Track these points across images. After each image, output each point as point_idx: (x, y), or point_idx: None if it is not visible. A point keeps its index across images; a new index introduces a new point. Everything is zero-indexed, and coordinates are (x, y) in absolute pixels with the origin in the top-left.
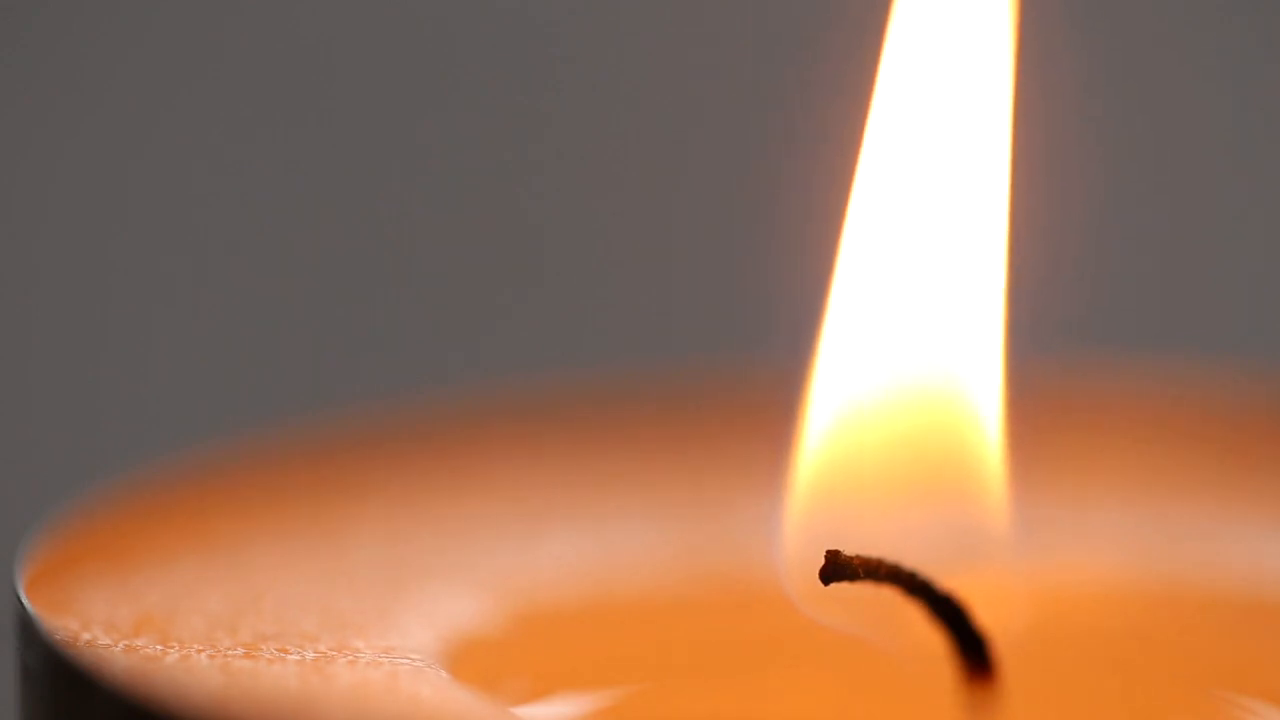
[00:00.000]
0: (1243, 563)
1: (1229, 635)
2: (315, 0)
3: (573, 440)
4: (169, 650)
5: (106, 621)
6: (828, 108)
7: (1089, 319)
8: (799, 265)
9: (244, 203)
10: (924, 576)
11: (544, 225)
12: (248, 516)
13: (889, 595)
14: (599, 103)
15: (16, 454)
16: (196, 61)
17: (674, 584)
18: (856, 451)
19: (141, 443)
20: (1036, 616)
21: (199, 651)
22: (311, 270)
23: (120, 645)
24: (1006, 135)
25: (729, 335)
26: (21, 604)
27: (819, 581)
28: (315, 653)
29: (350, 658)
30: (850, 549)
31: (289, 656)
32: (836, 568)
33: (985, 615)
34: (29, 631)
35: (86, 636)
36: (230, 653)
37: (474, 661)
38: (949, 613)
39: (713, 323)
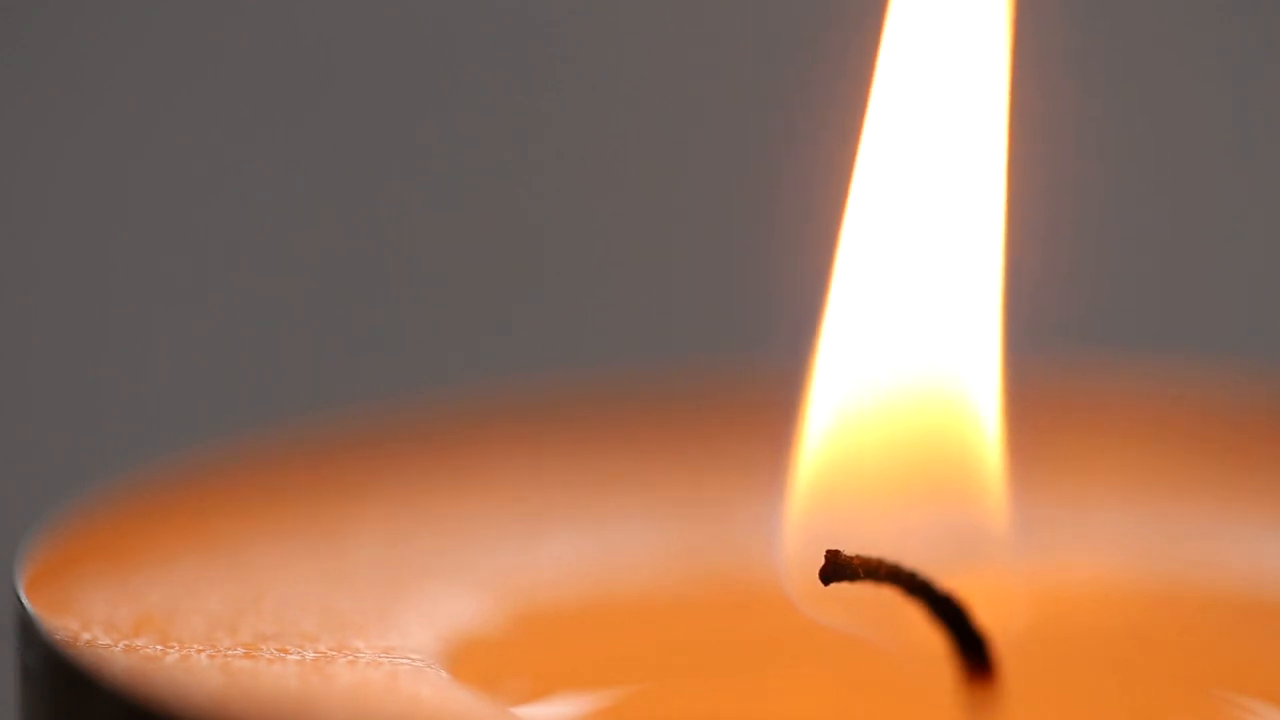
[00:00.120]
0: (1243, 563)
1: (1229, 635)
2: (315, 0)
3: (573, 440)
4: (169, 650)
5: (106, 621)
6: (828, 107)
7: (1089, 319)
8: (799, 265)
9: (244, 203)
10: (924, 576)
11: (544, 225)
12: (248, 516)
13: (889, 595)
14: (599, 103)
15: (16, 454)
16: (196, 61)
17: (674, 584)
18: (856, 452)
19: (141, 443)
20: (1036, 616)
21: (199, 651)
22: (311, 270)
23: (120, 645)
24: (1003, 134)
25: (729, 335)
26: (21, 604)
27: (819, 581)
28: (315, 653)
29: (350, 658)
30: (850, 549)
31: (289, 656)
32: (836, 568)
33: (985, 615)
34: (29, 631)
35: (86, 636)
36: (230, 653)
37: (474, 661)
38: (949, 613)
39: (713, 323)
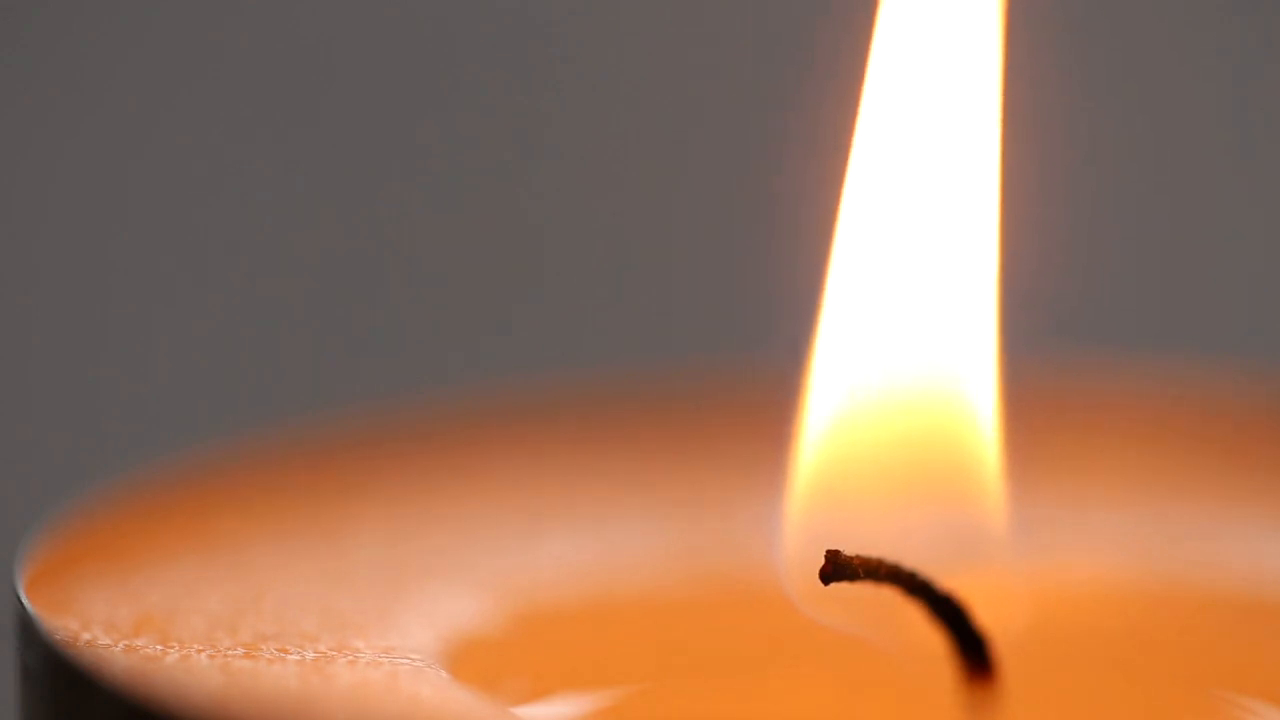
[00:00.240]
0: (1243, 563)
1: (1229, 635)
2: (315, 0)
3: (573, 440)
4: (169, 650)
5: (106, 621)
6: (829, 105)
7: (1089, 319)
8: (800, 265)
9: (244, 203)
10: (924, 576)
11: (544, 225)
12: (248, 516)
13: (889, 595)
14: (599, 103)
15: (16, 454)
16: (196, 61)
17: (674, 584)
18: (855, 452)
19: (141, 443)
20: (1036, 616)
21: (199, 651)
22: (311, 270)
23: (120, 645)
24: (999, 133)
25: (729, 335)
26: (21, 604)
27: (819, 581)
28: (315, 653)
29: (350, 658)
30: (850, 549)
31: (289, 656)
32: (837, 568)
33: (985, 615)
34: (29, 631)
35: (86, 636)
36: (230, 653)
37: (474, 661)
38: (949, 613)
39: (713, 323)
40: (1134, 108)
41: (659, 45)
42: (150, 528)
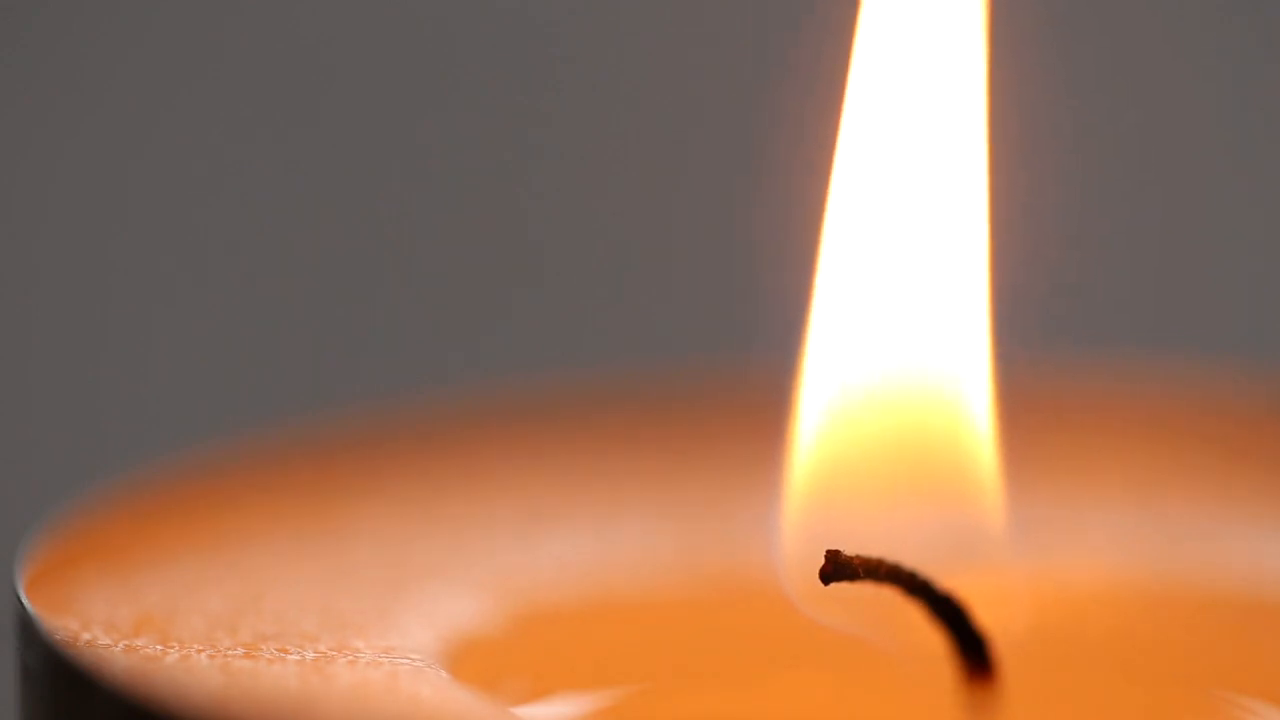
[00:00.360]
0: (1243, 563)
1: (1229, 635)
2: (315, 0)
3: (573, 440)
4: (169, 650)
5: (106, 621)
6: (826, 104)
7: (1089, 319)
8: (799, 264)
9: (244, 203)
10: (924, 576)
11: (544, 225)
12: (248, 516)
13: (889, 595)
14: (599, 103)
15: (16, 454)
16: (196, 61)
17: (674, 584)
18: (852, 451)
19: (141, 443)
20: (1037, 617)
21: (199, 651)
22: (311, 270)
23: (120, 645)
24: (987, 130)
25: (730, 335)
26: (21, 604)
27: (819, 581)
28: (315, 653)
29: (350, 658)
30: (849, 549)
31: (289, 656)
32: (837, 568)
33: (985, 615)
34: (29, 631)
35: (86, 636)
36: (230, 653)
37: (474, 661)
38: (949, 613)
39: (713, 322)
40: (1134, 106)
41: (658, 45)
42: (150, 528)
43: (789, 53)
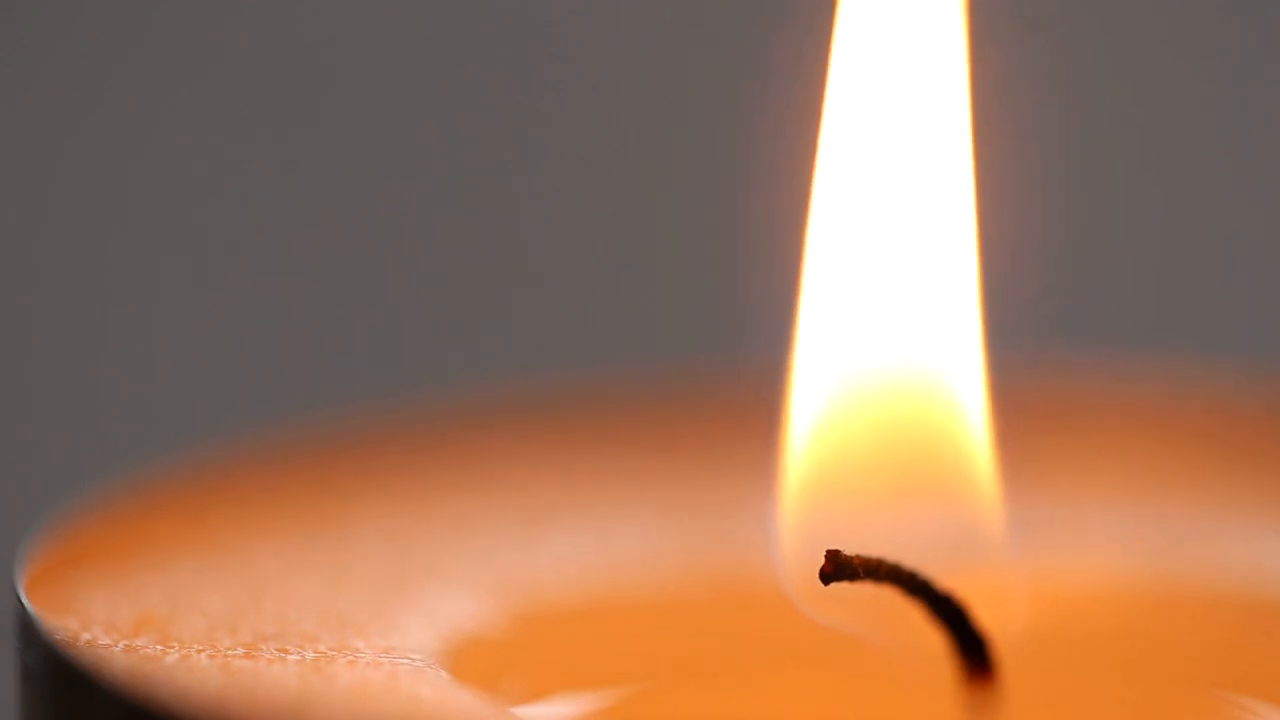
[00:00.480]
0: (1243, 563)
1: (1229, 635)
2: (315, 0)
3: (573, 440)
4: (169, 650)
5: (106, 621)
6: (826, 105)
7: (1089, 318)
8: (800, 264)
9: (244, 203)
10: (924, 576)
11: (544, 225)
12: (248, 516)
13: (889, 595)
14: (599, 103)
15: (16, 454)
16: (196, 61)
17: (674, 584)
18: (850, 451)
19: (141, 443)
20: (1036, 617)
21: (199, 651)
22: (311, 270)
23: (120, 645)
24: (972, 129)
25: (730, 335)
26: (21, 604)
27: (819, 581)
28: (315, 653)
29: (350, 658)
30: (848, 549)
31: (289, 656)
32: (837, 567)
33: (985, 615)
34: (29, 631)
35: (86, 636)
36: (230, 653)
37: (474, 661)
38: (949, 613)
39: (714, 323)
40: (1134, 106)
41: (659, 45)
42: (150, 528)
43: (779, 51)
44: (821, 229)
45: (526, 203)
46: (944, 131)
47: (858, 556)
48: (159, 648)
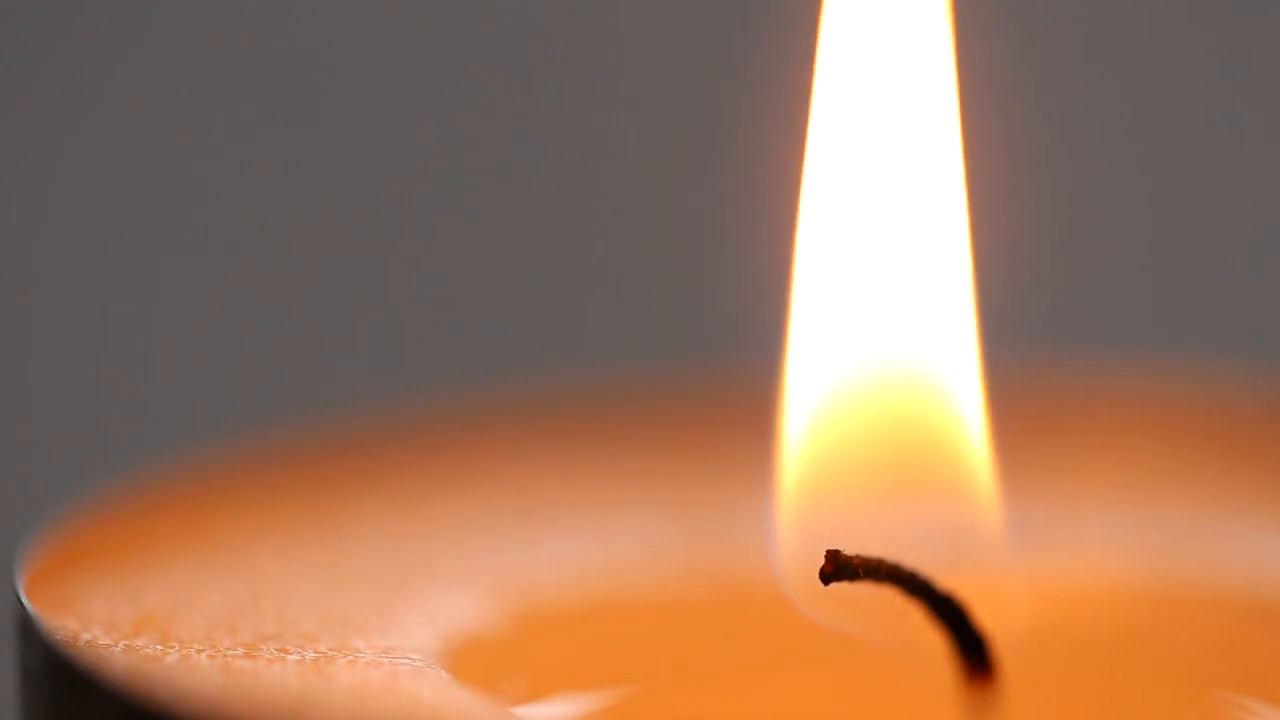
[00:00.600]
0: (1243, 563)
1: (1229, 635)
2: (315, 0)
3: (573, 440)
4: (169, 650)
5: (106, 621)
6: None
7: (1089, 318)
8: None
9: (244, 203)
10: (924, 576)
11: (544, 225)
12: (248, 516)
13: (889, 595)
14: (600, 103)
15: (16, 454)
16: (196, 61)
17: (674, 584)
18: (847, 451)
19: (141, 443)
20: (1036, 617)
21: (199, 651)
22: (311, 270)
23: (120, 645)
24: (964, 128)
25: (731, 335)
26: (21, 604)
27: (819, 581)
28: (315, 653)
29: (350, 658)
30: (848, 548)
31: (289, 656)
32: (837, 568)
33: (985, 615)
34: (29, 631)
35: (86, 636)
36: (230, 653)
37: (474, 661)
38: (949, 613)
39: (714, 323)
40: (1133, 102)
41: (661, 44)
42: (150, 528)
43: (770, 51)
44: (819, 229)
45: (526, 203)
46: (937, 128)
47: (858, 556)
48: (159, 648)
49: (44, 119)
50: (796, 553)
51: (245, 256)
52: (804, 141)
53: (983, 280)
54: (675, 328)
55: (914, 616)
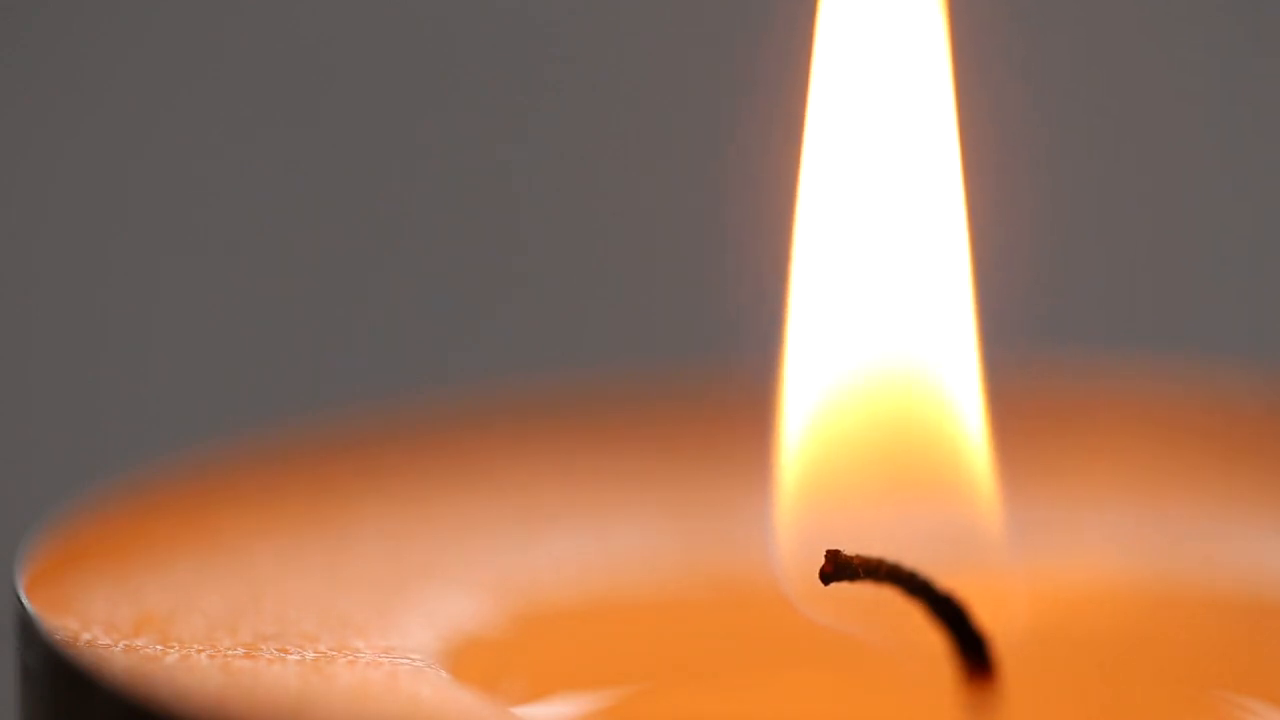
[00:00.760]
0: (1243, 563)
1: (1229, 635)
2: (315, 0)
3: (573, 440)
4: (169, 650)
5: (106, 621)
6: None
7: (1089, 318)
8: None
9: (244, 203)
10: (924, 576)
11: (544, 225)
12: (248, 516)
13: (889, 595)
14: (600, 103)
15: (16, 454)
16: (196, 61)
17: (674, 584)
18: (846, 451)
19: (141, 443)
20: (1036, 617)
21: (199, 651)
22: (311, 270)
23: (120, 645)
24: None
25: (731, 335)
26: (21, 604)
27: (819, 581)
28: (315, 653)
29: (350, 658)
30: (847, 549)
31: (289, 656)
32: (837, 568)
33: (985, 615)
34: (29, 631)
35: (86, 636)
36: (230, 653)
37: (474, 661)
38: (949, 613)
39: (714, 322)
40: (1133, 101)
41: (664, 44)
42: (150, 528)
43: (768, 52)
44: (818, 229)
45: (526, 203)
46: (936, 128)
47: (858, 556)
48: (159, 648)
49: (44, 119)
50: (796, 553)
51: (245, 256)
52: (802, 142)
53: (982, 280)
54: (675, 328)
55: (914, 616)
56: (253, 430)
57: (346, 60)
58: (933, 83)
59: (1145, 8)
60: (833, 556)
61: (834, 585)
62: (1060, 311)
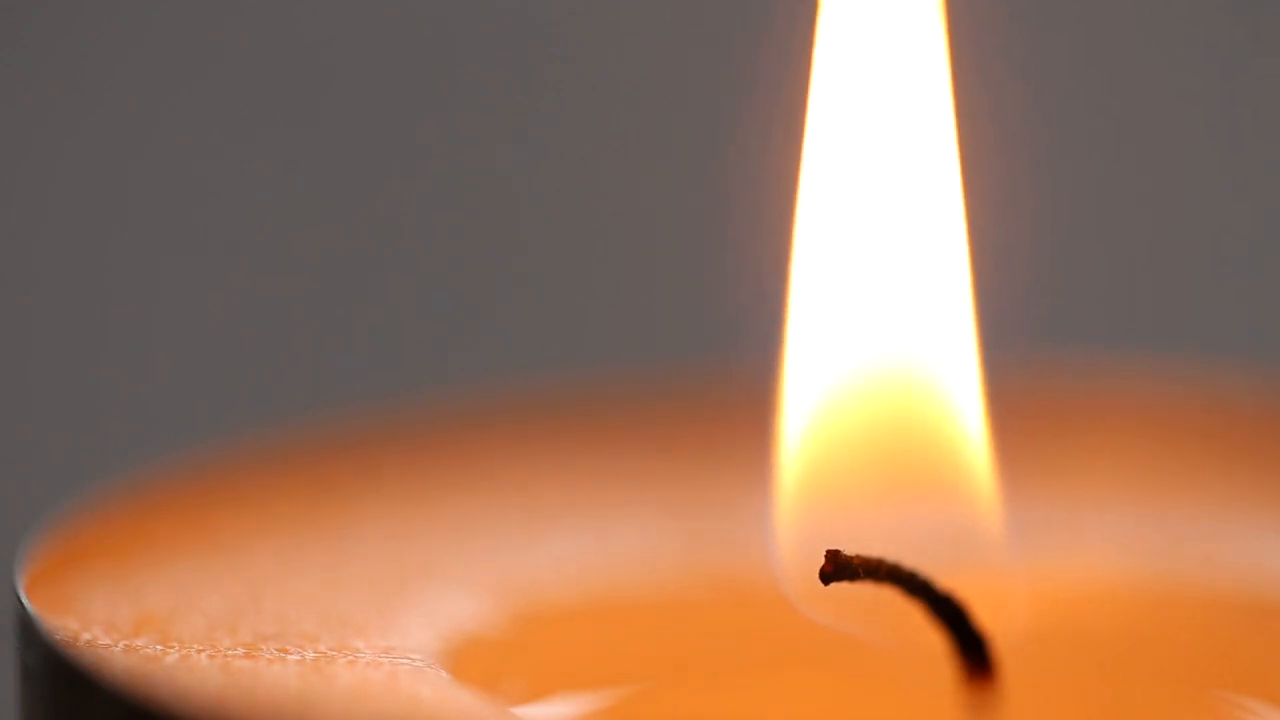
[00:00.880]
0: (1243, 563)
1: (1229, 635)
2: (315, 0)
3: (573, 440)
4: (169, 650)
5: (106, 621)
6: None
7: (1089, 318)
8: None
9: (244, 203)
10: (924, 576)
11: (544, 225)
12: (248, 516)
13: (889, 595)
14: (600, 103)
15: (16, 454)
16: (196, 61)
17: (674, 584)
18: (846, 451)
19: (141, 443)
20: (1036, 617)
21: (199, 651)
22: (311, 270)
23: (120, 645)
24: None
25: (731, 335)
26: (21, 604)
27: (819, 581)
28: (315, 653)
29: (350, 658)
30: (847, 549)
31: (289, 656)
32: (837, 568)
33: (985, 615)
34: (29, 631)
35: (86, 636)
36: (230, 653)
37: (474, 661)
38: (949, 613)
39: (715, 322)
40: (1133, 101)
41: (665, 44)
42: (150, 528)
43: (768, 52)
44: (818, 228)
45: (526, 203)
46: (935, 128)
47: (858, 556)
48: (159, 648)
49: (44, 119)
50: (796, 553)
51: (245, 256)
52: (802, 142)
53: (982, 280)
54: (675, 328)
55: (914, 616)
56: (253, 430)
57: (346, 60)
58: (932, 83)
59: (1145, 8)
60: (833, 556)
61: (834, 585)
62: (1060, 311)
